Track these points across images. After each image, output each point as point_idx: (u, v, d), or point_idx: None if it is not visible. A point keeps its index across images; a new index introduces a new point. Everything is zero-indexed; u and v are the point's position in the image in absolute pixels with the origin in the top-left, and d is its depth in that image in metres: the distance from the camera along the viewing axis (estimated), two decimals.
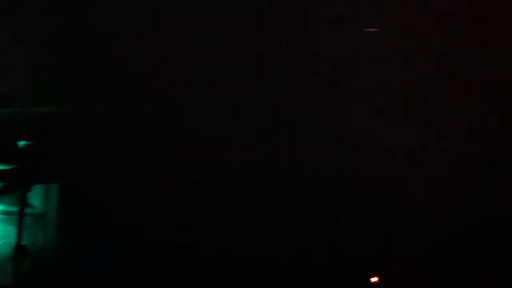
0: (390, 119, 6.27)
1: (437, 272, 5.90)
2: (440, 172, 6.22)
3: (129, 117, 6.64)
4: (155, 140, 6.58)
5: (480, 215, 6.08)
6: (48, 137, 6.63)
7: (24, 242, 6.57)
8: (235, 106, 6.49)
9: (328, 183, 6.29)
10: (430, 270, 5.88)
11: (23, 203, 6.59)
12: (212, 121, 6.52)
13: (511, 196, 6.07)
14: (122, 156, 6.57)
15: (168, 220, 6.41)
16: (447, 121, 6.22)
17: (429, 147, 6.24)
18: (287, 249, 6.23)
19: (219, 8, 6.56)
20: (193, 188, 6.49)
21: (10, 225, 6.66)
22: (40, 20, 6.89)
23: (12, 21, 6.92)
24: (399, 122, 6.26)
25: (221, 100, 6.52)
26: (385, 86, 6.30)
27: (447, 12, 6.22)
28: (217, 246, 6.25)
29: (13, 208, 6.67)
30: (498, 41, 6.16)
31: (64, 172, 6.69)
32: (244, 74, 6.49)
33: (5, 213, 6.80)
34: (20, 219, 6.57)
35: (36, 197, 6.76)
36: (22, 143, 6.60)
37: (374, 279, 5.73)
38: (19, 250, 6.54)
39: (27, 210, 6.64)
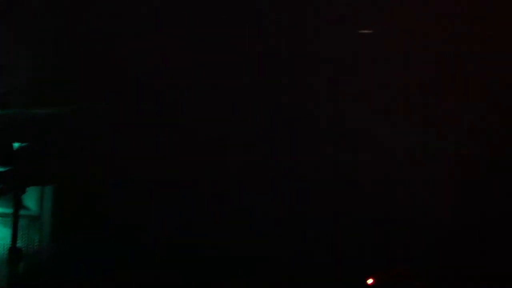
0: (390, 119, 6.27)
1: (437, 272, 5.90)
2: (440, 172, 6.22)
3: (129, 117, 6.64)
4: (155, 140, 6.58)
5: (480, 215, 6.08)
6: (47, 138, 6.62)
7: (19, 244, 6.56)
8: (235, 106, 6.49)
9: (328, 183, 6.29)
10: (430, 270, 5.87)
11: (18, 205, 6.58)
12: (212, 121, 6.52)
13: (511, 196, 6.07)
14: (122, 156, 6.57)
15: (168, 220, 6.41)
16: (447, 121, 6.22)
17: (429, 147, 6.24)
18: (288, 249, 6.23)
19: (219, 8, 6.56)
20: (193, 188, 6.49)
21: (5, 227, 6.65)
22: (40, 20, 6.89)
23: (12, 21, 6.92)
24: (399, 122, 6.26)
25: (221, 100, 6.52)
26: (385, 86, 6.30)
27: (447, 12, 6.22)
28: (217, 246, 6.25)
29: (8, 210, 6.66)
30: (498, 41, 6.16)
31: (63, 173, 6.68)
32: (244, 74, 6.50)
33: (0, 215, 6.79)
34: (14, 221, 6.56)
35: (31, 199, 6.75)
36: (19, 144, 6.59)
37: (374, 279, 5.73)
38: (13, 252, 6.53)
39: (22, 212, 6.63)
